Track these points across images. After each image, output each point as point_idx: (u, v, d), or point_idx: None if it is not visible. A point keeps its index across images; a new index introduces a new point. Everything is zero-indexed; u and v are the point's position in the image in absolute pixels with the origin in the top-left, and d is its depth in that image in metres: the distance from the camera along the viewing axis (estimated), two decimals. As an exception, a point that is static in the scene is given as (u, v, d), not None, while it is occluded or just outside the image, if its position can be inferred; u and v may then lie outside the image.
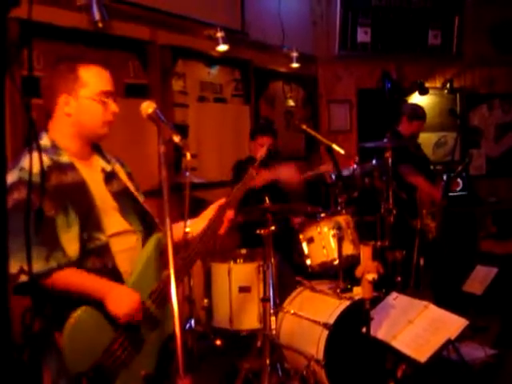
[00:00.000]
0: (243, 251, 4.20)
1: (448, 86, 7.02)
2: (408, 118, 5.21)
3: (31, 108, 2.88)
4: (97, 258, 2.10)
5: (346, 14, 6.57)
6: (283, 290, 3.76)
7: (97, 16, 3.75)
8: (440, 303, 2.86)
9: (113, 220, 2.20)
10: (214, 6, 5.07)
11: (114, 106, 2.20)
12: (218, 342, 3.94)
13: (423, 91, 6.77)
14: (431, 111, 7.01)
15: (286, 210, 4.00)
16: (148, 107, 2.03)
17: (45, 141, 2.14)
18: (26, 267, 1.93)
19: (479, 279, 4.16)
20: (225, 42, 4.97)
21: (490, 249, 5.22)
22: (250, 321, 3.80)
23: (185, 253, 2.29)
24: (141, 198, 2.37)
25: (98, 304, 2.04)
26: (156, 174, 3.81)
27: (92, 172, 2.23)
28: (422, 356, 2.59)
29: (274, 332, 3.42)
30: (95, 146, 2.31)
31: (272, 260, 3.48)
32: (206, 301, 4.01)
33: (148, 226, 2.34)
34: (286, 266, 4.09)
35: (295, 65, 6.12)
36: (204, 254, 2.40)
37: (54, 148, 2.14)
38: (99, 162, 2.29)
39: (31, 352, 2.79)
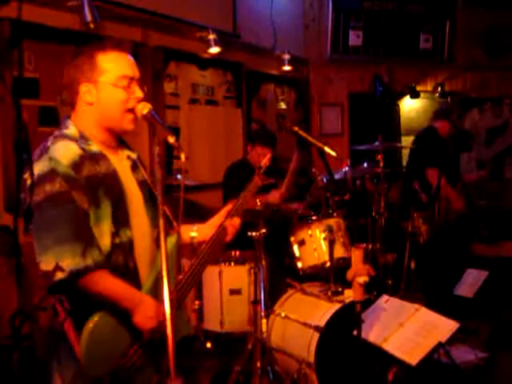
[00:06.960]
0: (234, 253, 4.18)
1: (439, 89, 7.05)
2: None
3: (22, 109, 2.85)
4: (121, 253, 2.04)
5: (338, 17, 6.58)
6: (274, 293, 3.75)
7: (88, 17, 3.73)
8: (431, 306, 2.86)
9: (138, 215, 2.14)
10: (206, 8, 5.06)
11: (138, 92, 2.07)
12: (209, 345, 3.93)
13: (414, 95, 6.80)
14: (422, 115, 7.05)
15: (277, 211, 4.00)
16: (143, 108, 2.02)
17: (72, 130, 2.05)
18: (62, 263, 1.85)
19: (470, 282, 4.18)
20: (217, 44, 4.96)
21: (480, 252, 5.23)
22: (240, 323, 3.78)
23: (194, 261, 2.26)
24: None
25: (114, 309, 1.97)
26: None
27: (119, 161, 2.16)
28: (413, 359, 2.59)
29: (264, 335, 3.40)
30: (119, 138, 2.22)
31: (263, 262, 3.47)
32: (196, 303, 3.99)
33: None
34: (277, 269, 4.08)
35: (287, 68, 6.11)
36: (211, 261, 2.38)
37: (83, 138, 2.05)
38: (124, 151, 2.22)
39: (21, 354, 2.74)
